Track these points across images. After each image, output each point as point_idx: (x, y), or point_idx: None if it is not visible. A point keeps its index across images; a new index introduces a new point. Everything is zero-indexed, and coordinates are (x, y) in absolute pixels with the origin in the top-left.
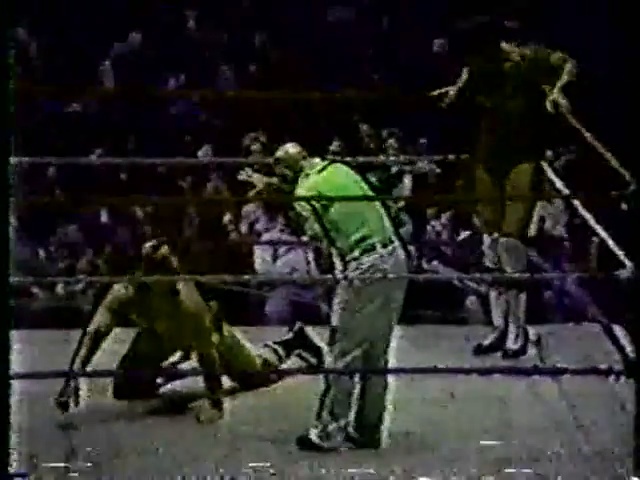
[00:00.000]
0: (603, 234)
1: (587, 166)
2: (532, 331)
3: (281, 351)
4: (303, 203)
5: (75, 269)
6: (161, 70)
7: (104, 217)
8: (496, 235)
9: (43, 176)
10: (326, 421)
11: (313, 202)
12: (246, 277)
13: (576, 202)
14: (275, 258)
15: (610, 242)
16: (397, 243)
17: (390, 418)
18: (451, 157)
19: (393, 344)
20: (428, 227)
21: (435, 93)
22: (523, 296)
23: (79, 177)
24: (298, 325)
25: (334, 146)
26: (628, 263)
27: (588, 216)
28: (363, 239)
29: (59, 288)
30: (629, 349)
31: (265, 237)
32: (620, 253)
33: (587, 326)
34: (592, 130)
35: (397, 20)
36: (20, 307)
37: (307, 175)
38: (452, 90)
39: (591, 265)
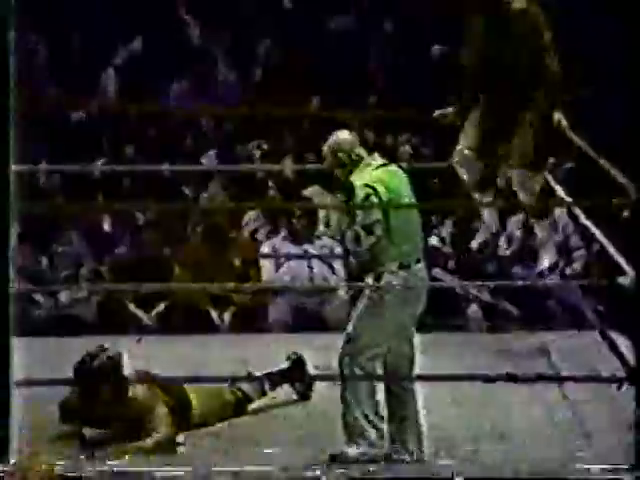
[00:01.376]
0: (604, 242)
1: (588, 175)
2: (537, 340)
3: (267, 385)
4: (371, 196)
5: (78, 277)
6: (165, 74)
7: (106, 225)
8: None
9: (46, 183)
10: (358, 439)
11: (380, 198)
12: (248, 285)
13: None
14: (278, 266)
15: (611, 250)
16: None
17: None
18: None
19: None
20: (433, 234)
21: (437, 114)
22: None
23: (82, 184)
24: (295, 355)
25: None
26: (629, 270)
27: (589, 224)
28: (406, 253)
29: (62, 296)
30: (630, 356)
31: (267, 245)
32: (621, 261)
33: (588, 334)
34: (594, 132)
35: (398, 26)
36: (23, 315)
37: (368, 166)
38: (452, 111)
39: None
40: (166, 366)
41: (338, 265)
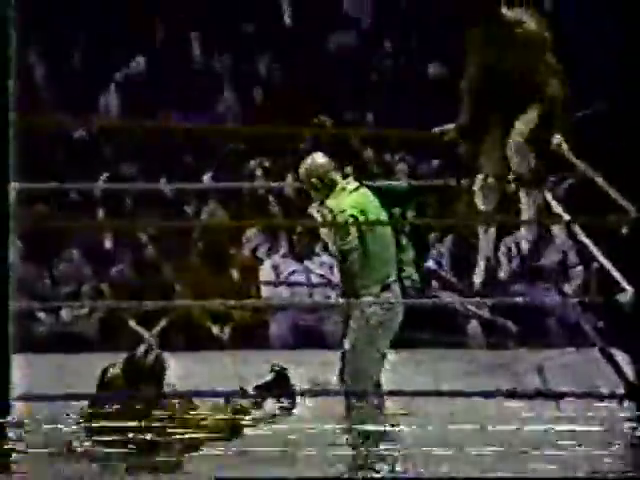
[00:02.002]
0: (603, 259)
1: (587, 192)
2: (535, 359)
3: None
4: (352, 229)
5: (79, 294)
6: (166, 93)
7: (108, 243)
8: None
9: (51, 200)
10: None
11: (358, 223)
12: (249, 301)
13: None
14: (278, 283)
15: (610, 267)
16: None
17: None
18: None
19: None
20: (432, 251)
21: (437, 130)
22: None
23: (84, 201)
24: (278, 366)
25: (348, 171)
26: (628, 287)
27: (587, 241)
28: (386, 275)
29: (64, 313)
30: (630, 373)
31: (267, 262)
32: (620, 278)
33: (587, 350)
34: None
35: (398, 44)
36: (25, 331)
37: (343, 190)
38: (452, 127)
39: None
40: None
41: (337, 280)
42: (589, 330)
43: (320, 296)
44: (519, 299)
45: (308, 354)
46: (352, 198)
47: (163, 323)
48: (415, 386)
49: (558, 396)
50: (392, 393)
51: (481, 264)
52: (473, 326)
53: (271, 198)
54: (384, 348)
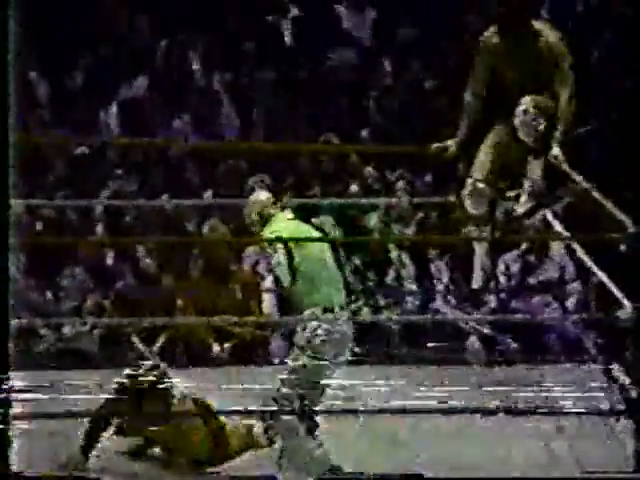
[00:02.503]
0: (602, 275)
1: (586, 208)
2: (533, 372)
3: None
4: (279, 249)
5: (81, 310)
6: (166, 111)
7: (110, 259)
8: None
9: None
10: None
11: (291, 247)
12: (251, 318)
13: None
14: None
15: (609, 283)
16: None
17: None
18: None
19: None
20: (432, 267)
21: (434, 147)
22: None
23: (85, 218)
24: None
25: (352, 189)
26: (627, 303)
27: (586, 258)
28: (328, 299)
29: (66, 329)
30: (629, 388)
31: (269, 278)
32: (619, 294)
33: (587, 366)
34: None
35: (397, 59)
36: (27, 348)
37: (279, 220)
38: (452, 143)
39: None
40: None
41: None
42: (589, 346)
43: None
44: (519, 316)
45: None
46: (284, 225)
47: (162, 339)
48: (415, 402)
49: (558, 413)
50: (392, 411)
51: (477, 270)
52: (472, 342)
53: None
54: (326, 371)
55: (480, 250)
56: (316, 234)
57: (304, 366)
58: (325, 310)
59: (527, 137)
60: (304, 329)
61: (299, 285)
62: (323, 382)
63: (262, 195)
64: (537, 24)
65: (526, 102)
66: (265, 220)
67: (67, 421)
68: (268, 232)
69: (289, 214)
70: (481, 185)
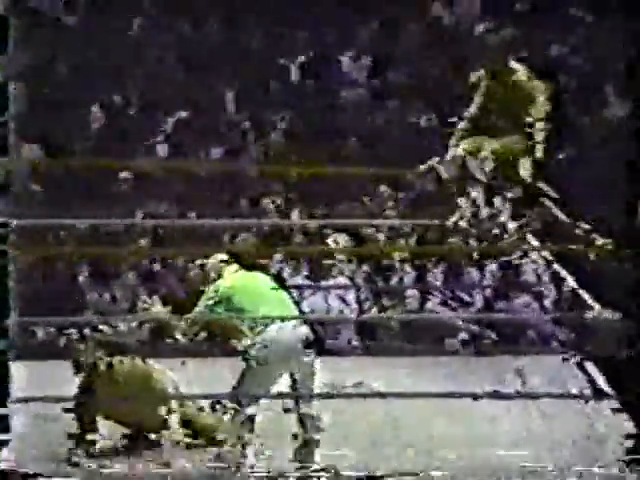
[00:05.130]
0: (573, 283)
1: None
2: (514, 363)
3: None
4: (214, 298)
5: (134, 309)
6: (204, 141)
7: (157, 266)
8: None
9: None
10: None
11: (227, 294)
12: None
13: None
14: (300, 300)
15: (580, 290)
16: (298, 322)
17: (397, 432)
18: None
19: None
20: (430, 275)
21: (423, 168)
22: None
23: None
24: None
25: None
26: (595, 305)
27: (559, 267)
28: (265, 317)
29: (122, 325)
30: (596, 377)
31: (291, 283)
32: (587, 297)
33: (561, 358)
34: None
35: (395, 98)
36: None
37: (225, 274)
38: (437, 164)
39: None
40: (206, 385)
41: (351, 299)
42: (562, 340)
43: (335, 312)
44: (502, 315)
45: (324, 360)
46: (228, 278)
47: (201, 334)
48: (413, 389)
49: (536, 397)
50: (391, 394)
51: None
52: (463, 337)
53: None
54: (268, 380)
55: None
56: (258, 277)
57: (247, 370)
58: (260, 332)
59: (480, 177)
60: (245, 351)
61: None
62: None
63: (219, 256)
64: (515, 65)
65: (484, 150)
66: (220, 273)
67: None
68: (219, 281)
69: (235, 267)
70: (457, 155)
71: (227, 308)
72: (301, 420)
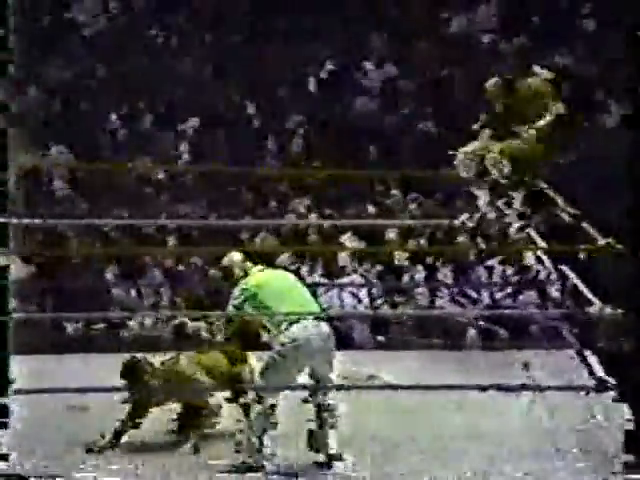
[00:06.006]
0: (576, 280)
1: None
2: (520, 356)
3: None
4: (241, 297)
5: (159, 305)
6: (223, 146)
7: (181, 266)
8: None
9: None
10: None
11: (253, 291)
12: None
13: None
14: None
15: (582, 286)
16: (322, 321)
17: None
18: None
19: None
20: (438, 274)
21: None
22: None
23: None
24: None
25: (370, 210)
26: (596, 301)
27: (564, 267)
28: (289, 319)
29: (147, 320)
30: (598, 369)
31: (307, 279)
32: (589, 294)
33: (565, 351)
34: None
35: (407, 107)
36: (117, 334)
37: (251, 273)
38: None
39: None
40: None
41: (363, 296)
42: (567, 335)
43: (349, 307)
44: (509, 311)
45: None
46: (254, 277)
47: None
48: (425, 381)
49: (540, 389)
50: (399, 386)
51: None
52: (471, 332)
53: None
54: (290, 373)
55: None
56: (281, 275)
57: (270, 369)
58: (287, 328)
59: (497, 176)
60: (273, 343)
61: (267, 310)
62: (284, 381)
63: (237, 256)
64: (536, 69)
65: (495, 150)
66: (245, 273)
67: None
68: (243, 283)
69: (259, 267)
70: (471, 154)
71: (253, 305)
72: (318, 410)
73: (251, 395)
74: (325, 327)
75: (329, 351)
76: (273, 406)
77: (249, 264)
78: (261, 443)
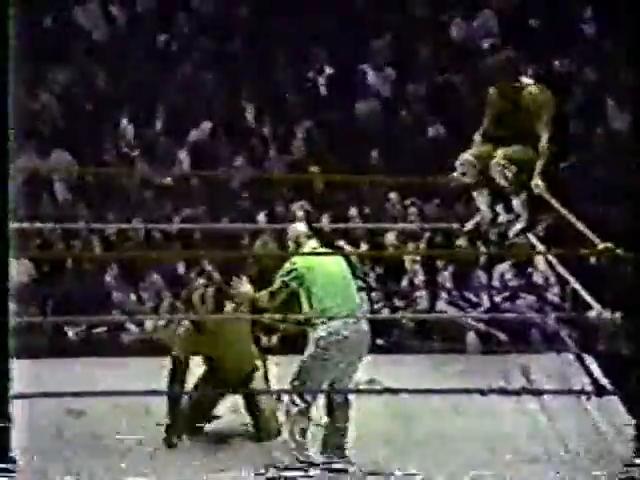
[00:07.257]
0: (576, 284)
1: (563, 230)
2: (520, 360)
3: None
4: (290, 274)
5: (158, 309)
6: (226, 152)
7: (180, 269)
8: None
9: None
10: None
11: (302, 272)
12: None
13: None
14: None
15: (582, 290)
16: (363, 320)
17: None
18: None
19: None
20: (439, 276)
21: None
22: None
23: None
24: None
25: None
26: (596, 305)
27: (563, 270)
28: (331, 308)
29: (148, 324)
30: (598, 374)
31: None
32: (589, 298)
33: (564, 355)
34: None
35: (410, 110)
36: (117, 338)
37: (303, 249)
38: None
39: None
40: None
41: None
42: (566, 339)
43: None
44: (509, 315)
45: None
46: (305, 257)
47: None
48: (425, 385)
49: (540, 393)
50: (401, 390)
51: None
52: (471, 336)
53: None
54: (333, 368)
55: (481, 201)
56: (334, 261)
57: (308, 361)
58: (331, 318)
59: (502, 182)
60: (313, 334)
61: (311, 299)
62: (321, 379)
63: (298, 227)
64: (525, 80)
65: (498, 155)
66: (298, 246)
67: None
68: (293, 259)
69: (314, 243)
70: (472, 160)
71: (299, 284)
72: (329, 409)
73: (286, 398)
74: (364, 325)
75: (364, 351)
76: (308, 405)
77: (305, 239)
78: (303, 443)
